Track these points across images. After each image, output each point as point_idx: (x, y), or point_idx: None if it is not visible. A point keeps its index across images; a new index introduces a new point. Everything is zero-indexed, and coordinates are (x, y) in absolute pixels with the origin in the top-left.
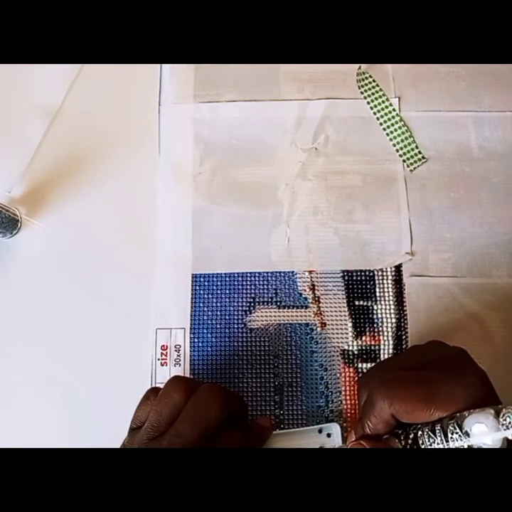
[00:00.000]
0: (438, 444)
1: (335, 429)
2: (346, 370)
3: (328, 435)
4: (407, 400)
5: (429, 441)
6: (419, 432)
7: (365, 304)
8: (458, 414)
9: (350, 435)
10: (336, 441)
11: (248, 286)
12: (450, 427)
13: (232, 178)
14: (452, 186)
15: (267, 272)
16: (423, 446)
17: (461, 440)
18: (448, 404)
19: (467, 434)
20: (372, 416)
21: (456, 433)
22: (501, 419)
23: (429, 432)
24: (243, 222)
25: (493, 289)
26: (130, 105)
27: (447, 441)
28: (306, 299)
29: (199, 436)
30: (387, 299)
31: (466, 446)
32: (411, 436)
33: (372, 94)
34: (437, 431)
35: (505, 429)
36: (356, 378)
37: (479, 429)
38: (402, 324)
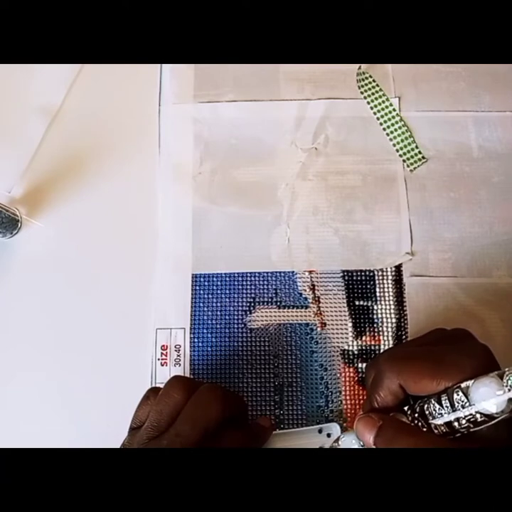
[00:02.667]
0: (445, 413)
1: (335, 429)
2: (346, 370)
3: (328, 435)
4: (414, 370)
5: (435, 411)
6: (426, 405)
7: (365, 303)
8: (463, 384)
9: (358, 413)
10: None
11: (248, 286)
12: (456, 396)
13: (232, 178)
14: (452, 186)
15: (267, 272)
16: (430, 418)
17: (467, 407)
18: (454, 373)
19: (472, 401)
20: (380, 389)
21: (462, 401)
22: (505, 380)
23: (436, 403)
24: (243, 222)
25: (493, 289)
26: (130, 105)
27: (454, 410)
28: (306, 299)
29: (199, 436)
30: (387, 299)
31: (473, 413)
32: (417, 409)
33: (372, 94)
34: (443, 400)
35: (508, 390)
36: (356, 378)
37: (484, 392)
38: (402, 324)
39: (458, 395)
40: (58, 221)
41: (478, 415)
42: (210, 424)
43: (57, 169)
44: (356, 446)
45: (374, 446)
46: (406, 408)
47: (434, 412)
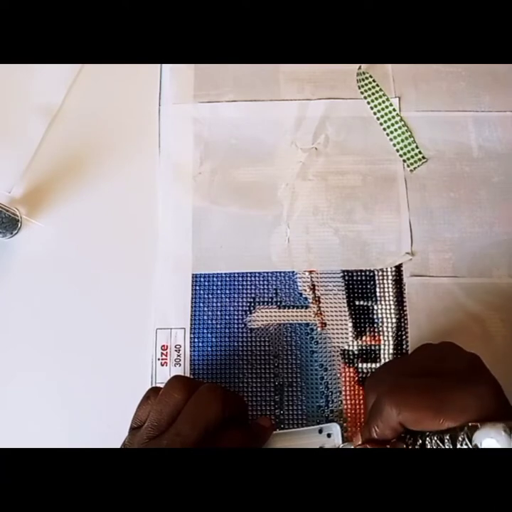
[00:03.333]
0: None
1: (335, 429)
2: (346, 370)
3: (328, 435)
4: (416, 408)
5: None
6: (427, 439)
7: (365, 304)
8: (469, 425)
9: (356, 437)
10: (335, 441)
11: (248, 286)
12: (459, 438)
13: (232, 178)
14: (452, 186)
15: (267, 272)
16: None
17: None
18: (458, 414)
19: (477, 448)
20: (379, 422)
21: (466, 445)
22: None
23: (438, 441)
24: (243, 222)
25: (493, 289)
26: (130, 105)
27: None
28: (306, 299)
29: (199, 436)
30: (387, 299)
31: None
32: (419, 442)
33: (373, 94)
34: (446, 441)
35: None
36: (356, 378)
37: (489, 444)
38: (403, 324)
39: (462, 438)
40: (58, 221)
41: None
42: (210, 423)
43: (57, 169)
44: None
45: None
46: (407, 436)
47: (436, 447)
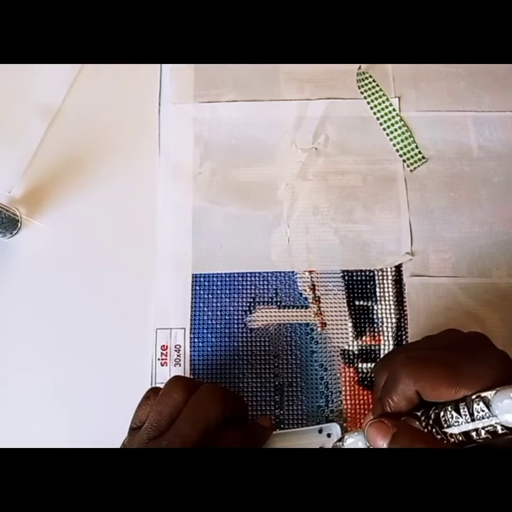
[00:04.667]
0: (463, 423)
1: (335, 429)
2: (346, 370)
3: (328, 435)
4: (432, 377)
5: (452, 420)
6: (442, 412)
7: (365, 303)
8: (483, 393)
9: (368, 415)
10: (336, 441)
11: (248, 286)
12: (476, 405)
13: (232, 178)
14: (452, 186)
15: (267, 272)
16: (446, 426)
17: (487, 418)
18: (473, 382)
19: (494, 412)
20: (394, 393)
21: (482, 411)
22: None
23: (453, 411)
24: (243, 222)
25: (493, 289)
26: (130, 105)
27: (473, 419)
28: (306, 299)
29: (199, 436)
30: (387, 299)
31: (494, 424)
32: (432, 416)
33: (372, 94)
34: (462, 409)
35: None
36: (356, 378)
37: (508, 404)
38: (403, 324)
39: (478, 404)
40: (58, 221)
41: (499, 427)
42: (210, 424)
43: (57, 169)
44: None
45: None
46: (419, 413)
47: (450, 420)
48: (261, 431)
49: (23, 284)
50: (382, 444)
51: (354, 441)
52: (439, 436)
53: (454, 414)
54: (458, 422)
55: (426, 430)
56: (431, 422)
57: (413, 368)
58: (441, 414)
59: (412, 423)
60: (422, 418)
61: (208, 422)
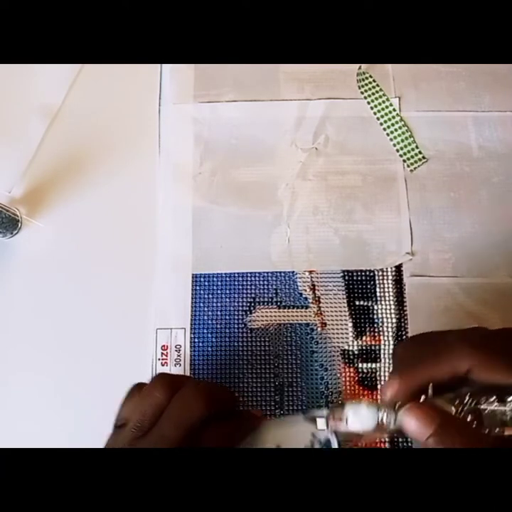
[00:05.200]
0: (508, 413)
1: (320, 414)
2: (346, 370)
3: (313, 420)
4: (492, 356)
5: (496, 409)
6: (483, 400)
7: (365, 303)
8: None
9: (391, 383)
10: (321, 426)
11: (248, 286)
12: None
13: (232, 178)
14: (452, 186)
15: (267, 272)
16: (487, 415)
17: None
18: None
19: None
20: (439, 369)
21: None
22: None
23: (496, 402)
24: (243, 222)
25: (493, 289)
26: (130, 105)
27: None
28: (306, 299)
29: (183, 436)
30: (387, 299)
31: None
32: (471, 403)
33: (373, 94)
34: (509, 400)
35: None
36: (356, 378)
37: None
38: (403, 324)
39: None
40: (58, 221)
41: None
42: (194, 423)
43: (57, 169)
44: (366, 428)
45: (426, 445)
46: (451, 396)
47: (494, 410)
48: (251, 416)
49: (23, 284)
50: (425, 434)
51: (354, 417)
52: (474, 424)
53: (498, 404)
54: (505, 413)
55: (459, 415)
56: (466, 407)
57: (471, 344)
58: (482, 401)
59: (447, 407)
60: (456, 402)
61: (191, 422)
